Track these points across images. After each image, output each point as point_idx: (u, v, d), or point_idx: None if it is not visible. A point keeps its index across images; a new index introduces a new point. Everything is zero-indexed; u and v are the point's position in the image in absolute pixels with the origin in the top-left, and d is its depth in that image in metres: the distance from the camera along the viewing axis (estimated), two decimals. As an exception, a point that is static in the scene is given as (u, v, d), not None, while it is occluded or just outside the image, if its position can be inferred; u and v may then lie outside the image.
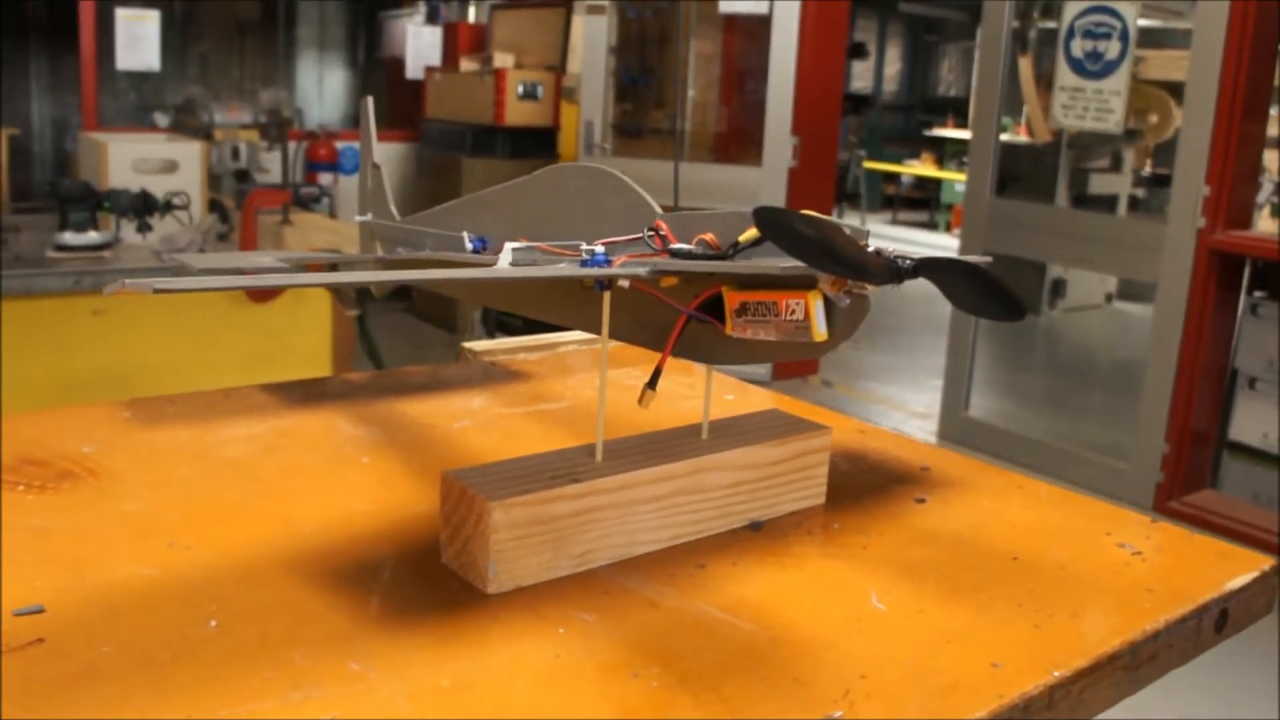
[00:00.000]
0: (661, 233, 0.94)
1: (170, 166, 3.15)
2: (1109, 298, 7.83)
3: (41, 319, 2.77)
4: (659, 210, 0.97)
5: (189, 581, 0.91)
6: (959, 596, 0.99)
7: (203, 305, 2.95)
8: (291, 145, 6.27)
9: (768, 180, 5.32)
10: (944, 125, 12.68)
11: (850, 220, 10.45)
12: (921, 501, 1.20)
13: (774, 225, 0.74)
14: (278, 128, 6.04)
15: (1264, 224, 3.97)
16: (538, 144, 6.15)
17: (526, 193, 1.13)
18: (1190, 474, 4.10)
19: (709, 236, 0.90)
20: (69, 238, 2.87)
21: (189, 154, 3.18)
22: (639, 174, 4.27)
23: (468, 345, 1.68)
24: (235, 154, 5.93)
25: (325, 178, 6.26)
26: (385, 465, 1.19)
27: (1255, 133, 3.93)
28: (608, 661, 0.82)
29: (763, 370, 5.61)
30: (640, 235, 0.96)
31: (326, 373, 3.15)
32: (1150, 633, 0.98)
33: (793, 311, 0.83)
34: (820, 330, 0.82)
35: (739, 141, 5.71)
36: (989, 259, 0.92)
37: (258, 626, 0.84)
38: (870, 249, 0.80)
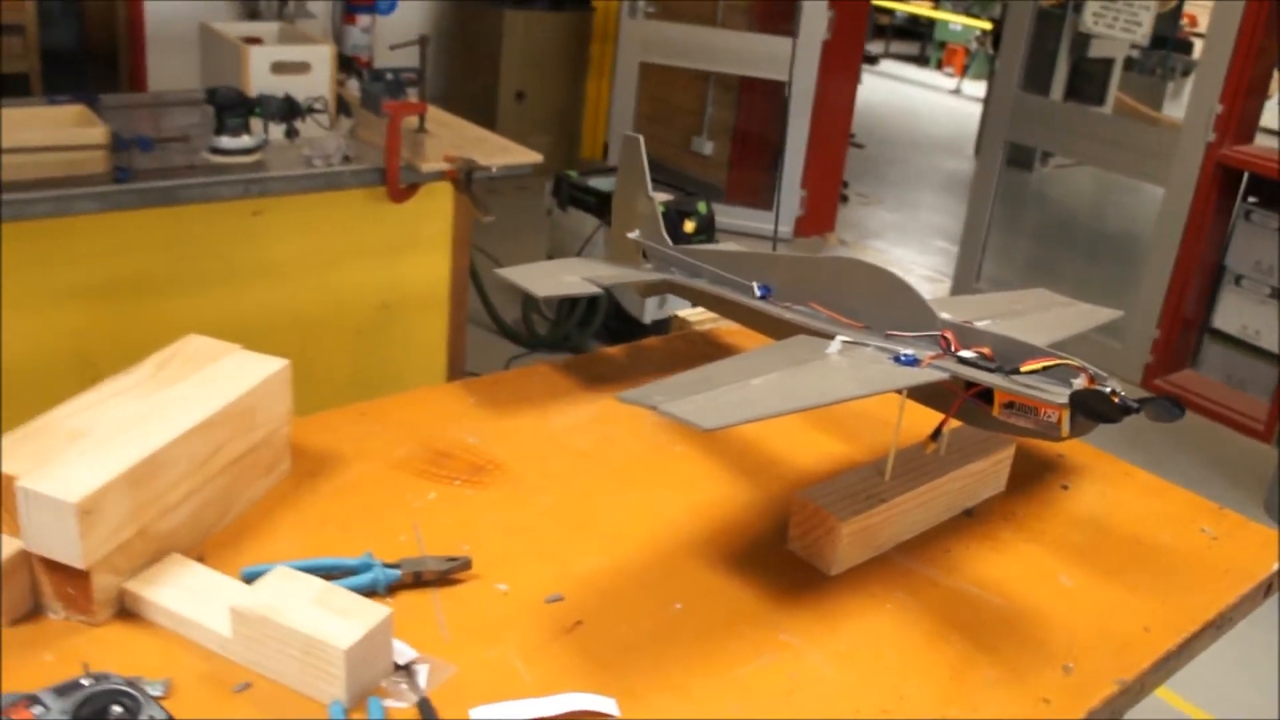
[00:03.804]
0: (947, 336, 1.39)
1: (303, 68, 3.46)
2: (1095, 155, 8.23)
3: (208, 220, 3.12)
4: (940, 317, 1.41)
5: (635, 569, 1.38)
6: (1112, 576, 1.49)
7: (344, 203, 3.31)
8: (333, -14, 6.44)
9: (802, 51, 5.64)
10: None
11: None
12: (1066, 488, 1.70)
13: (1084, 402, 1.20)
14: (325, -25, 6.20)
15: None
16: (575, -1, 6.41)
17: (816, 270, 1.56)
18: (1174, 355, 4.65)
19: (987, 351, 1.36)
20: (225, 142, 3.19)
21: (320, 56, 3.49)
22: (680, 40, 4.84)
23: (681, 314, 2.12)
24: (283, 1, 6.12)
25: (364, 19, 6.45)
26: (694, 453, 1.65)
27: (1269, 47, 4.34)
28: (929, 630, 1.32)
29: (785, 228, 6.06)
30: (930, 335, 1.40)
31: (447, 259, 3.55)
32: (1232, 604, 1.49)
33: (1049, 416, 1.29)
34: (1066, 432, 1.29)
35: (774, 9, 5.96)
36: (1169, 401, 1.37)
37: (702, 607, 1.32)
38: (1107, 389, 1.26)
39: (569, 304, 4.62)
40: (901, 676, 1.25)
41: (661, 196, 3.43)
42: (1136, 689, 1.32)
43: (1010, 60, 5.00)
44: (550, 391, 1.81)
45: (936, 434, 1.45)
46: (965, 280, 5.33)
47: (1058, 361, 1.29)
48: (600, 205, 4.61)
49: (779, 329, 1.57)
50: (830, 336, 1.45)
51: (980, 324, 1.46)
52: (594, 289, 1.79)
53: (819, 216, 6.26)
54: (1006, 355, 1.35)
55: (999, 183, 5.28)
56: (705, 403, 1.20)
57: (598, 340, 4.57)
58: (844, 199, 6.71)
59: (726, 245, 1.95)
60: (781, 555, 1.44)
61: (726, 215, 5.11)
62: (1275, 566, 1.58)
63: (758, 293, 1.63)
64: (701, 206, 4.53)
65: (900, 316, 1.45)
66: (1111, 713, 1.29)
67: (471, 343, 3.90)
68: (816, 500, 1.40)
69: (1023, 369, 1.31)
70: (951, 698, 1.23)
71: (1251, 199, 4.55)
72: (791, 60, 5.70)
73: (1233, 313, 4.64)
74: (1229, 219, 4.56)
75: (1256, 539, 1.65)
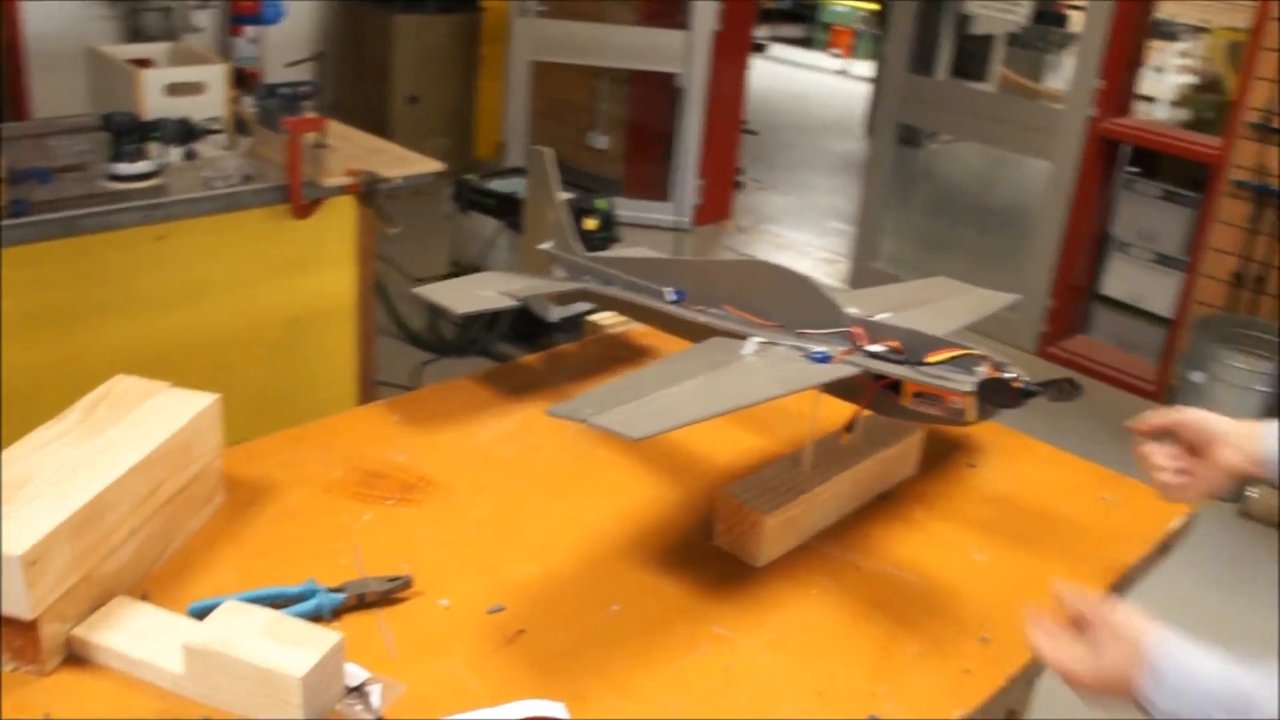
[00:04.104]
0: (856, 332, 1.46)
1: (198, 89, 3.44)
2: (980, 129, 8.44)
3: (111, 249, 3.09)
4: (847, 312, 1.48)
5: (571, 574, 1.43)
6: (1021, 547, 1.58)
7: (247, 223, 3.30)
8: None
9: (694, 44, 5.70)
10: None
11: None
12: (972, 466, 1.79)
13: (989, 389, 1.28)
14: (209, -13, 6.12)
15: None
16: (462, 0, 6.38)
17: (726, 273, 1.62)
18: (1067, 323, 4.82)
19: (895, 344, 1.43)
20: (123, 168, 3.15)
21: (214, 75, 3.47)
22: (571, 38, 4.89)
23: (593, 319, 2.17)
24: (167, 14, 6.03)
25: (251, 30, 6.37)
26: (618, 457, 1.70)
27: (1142, 24, 4.53)
28: (853, 610, 1.40)
29: (684, 218, 6.13)
30: (838, 331, 1.47)
31: (353, 272, 3.55)
32: (1132, 565, 1.59)
33: (956, 403, 1.37)
34: (973, 417, 1.37)
35: (663, 4, 6.00)
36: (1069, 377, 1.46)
37: (637, 606, 1.37)
38: (1011, 374, 1.34)
39: (477, 307, 4.64)
40: (832, 658, 1.32)
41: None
42: (1049, 654, 1.40)
43: (898, 44, 5.13)
44: (473, 404, 1.85)
45: (850, 425, 1.52)
46: (864, 260, 5.44)
47: (962, 352, 1.37)
48: (501, 208, 4.63)
49: (694, 332, 1.63)
50: (744, 337, 1.51)
51: (886, 316, 1.54)
52: (511, 302, 1.83)
53: (716, 205, 6.34)
54: (913, 347, 1.42)
55: (892, 166, 5.41)
56: (632, 412, 1.26)
57: (506, 342, 4.59)
58: (739, 186, 6.80)
59: (637, 250, 2.00)
60: (709, 550, 1.50)
61: (625, 208, 5.15)
62: (1169, 527, 1.68)
63: (671, 297, 1.69)
64: (602, 204, 4.58)
65: (809, 314, 1.51)
66: (1028, 678, 1.37)
67: (381, 352, 3.90)
68: (740, 496, 1.46)
69: (929, 360, 1.39)
70: (880, 675, 1.30)
71: (1132, 169, 4.74)
72: (684, 53, 5.77)
73: (1120, 279, 4.83)
74: (1112, 189, 4.74)
75: (1151, 502, 1.74)
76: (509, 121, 6.20)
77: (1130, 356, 4.74)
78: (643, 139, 6.43)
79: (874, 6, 11.09)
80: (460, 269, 4.79)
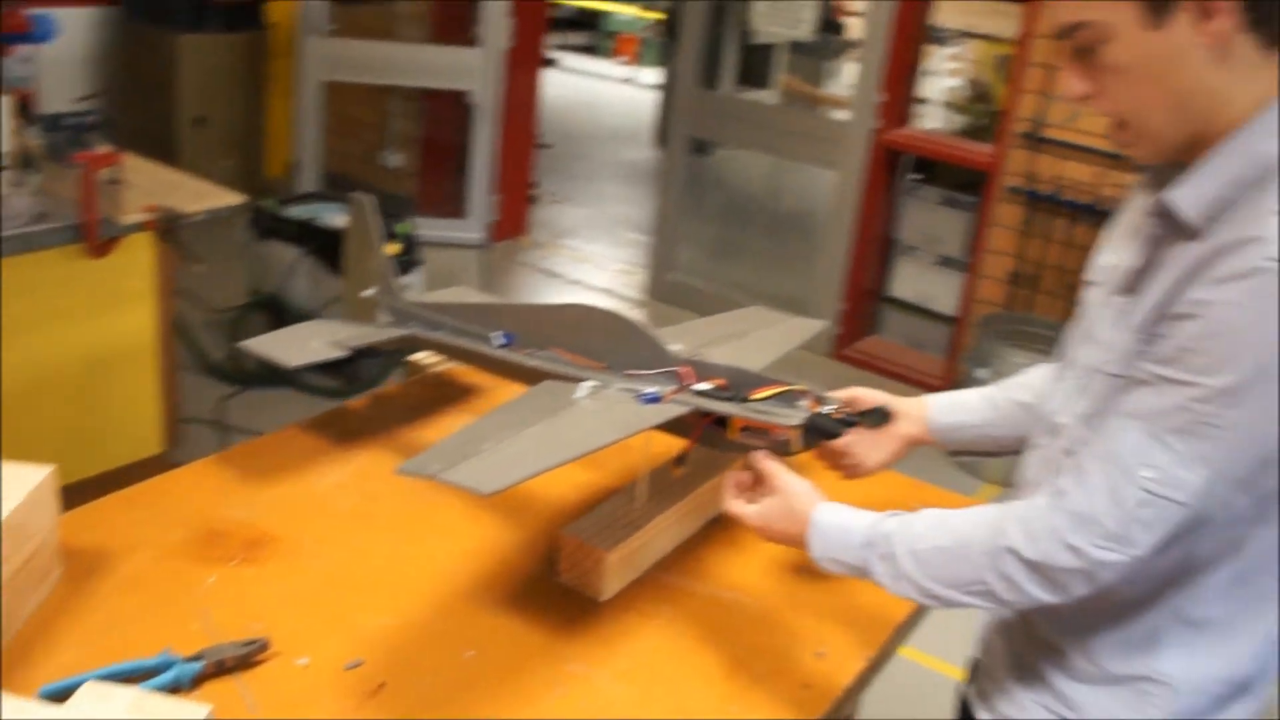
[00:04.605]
0: (683, 371, 1.54)
1: (-25, 123, 3.28)
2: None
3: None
4: (671, 352, 1.56)
5: (423, 623, 1.47)
6: (844, 559, 1.69)
7: (40, 264, 3.17)
8: (-23, 20, 6.02)
9: (486, 60, 5.72)
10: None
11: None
12: (794, 483, 1.89)
13: (813, 422, 1.38)
14: (-30, 9, 5.80)
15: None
16: (247, 18, 6.23)
17: (555, 317, 1.69)
18: (860, 325, 5.08)
19: (721, 381, 1.52)
20: (-98, 209, 3.01)
21: (-7, 109, 3.32)
22: (362, 57, 4.95)
23: (413, 359, 2.20)
24: (-74, 38, 5.69)
25: (22, 49, 6.08)
26: (454, 500, 1.74)
27: (919, 31, 4.79)
28: (697, 635, 1.48)
29: (480, 235, 6.14)
30: (666, 370, 1.55)
31: (153, 309, 3.46)
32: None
33: (782, 436, 1.47)
34: (798, 448, 1.47)
35: (453, 20, 6.00)
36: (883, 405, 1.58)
37: (494, 650, 1.43)
38: (830, 407, 1.44)
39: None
40: (682, 684, 1.41)
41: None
42: (881, 659, 1.52)
43: (688, 60, 5.28)
44: (305, 454, 1.86)
45: (682, 459, 1.61)
46: (661, 271, 5.59)
47: (784, 389, 1.47)
48: (300, 235, 4.57)
49: (525, 376, 1.68)
50: (574, 380, 1.58)
51: (708, 352, 1.62)
52: (341, 352, 1.85)
53: (513, 220, 6.38)
54: (738, 384, 1.51)
55: (685, 178, 5.57)
56: (479, 466, 1.31)
57: (312, 371, 4.52)
58: (534, 199, 6.86)
59: (461, 291, 2.05)
60: (553, 588, 1.56)
61: (422, 227, 5.08)
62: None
63: (500, 341, 1.74)
64: (403, 227, 4.57)
65: (636, 356, 1.59)
66: (863, 684, 1.49)
67: (183, 387, 3.82)
68: (580, 535, 1.53)
69: (753, 396, 1.48)
70: (729, 697, 1.39)
71: (915, 175, 5.02)
72: (477, 71, 5.79)
73: (907, 281, 5.11)
74: (897, 195, 5.01)
75: (950, 504, 1.90)
76: (301, 141, 6.10)
77: (920, 354, 5.02)
78: (436, 156, 6.42)
79: (659, 15, 11.30)
80: (259, 298, 4.70)
